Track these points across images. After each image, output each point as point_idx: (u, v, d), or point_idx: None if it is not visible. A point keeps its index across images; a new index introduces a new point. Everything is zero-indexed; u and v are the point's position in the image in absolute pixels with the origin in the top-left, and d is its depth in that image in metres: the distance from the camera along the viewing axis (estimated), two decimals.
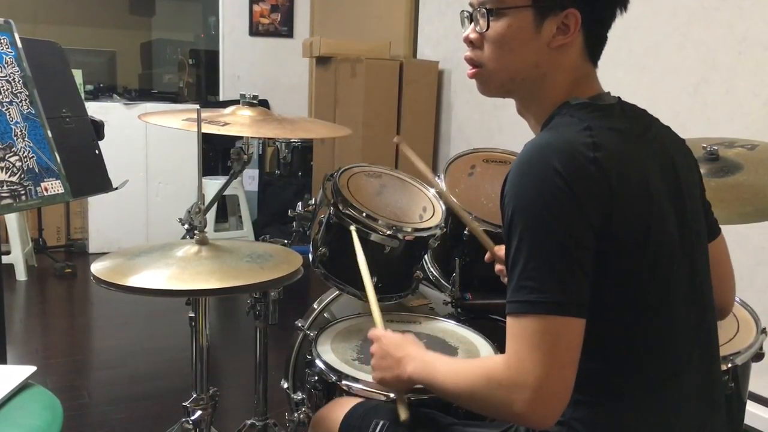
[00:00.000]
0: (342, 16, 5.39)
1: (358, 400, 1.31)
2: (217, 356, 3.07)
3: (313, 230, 1.82)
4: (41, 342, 3.35)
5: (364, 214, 1.68)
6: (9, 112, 1.59)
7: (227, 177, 1.90)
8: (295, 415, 1.71)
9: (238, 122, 1.77)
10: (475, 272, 1.87)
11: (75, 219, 4.84)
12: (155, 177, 4.77)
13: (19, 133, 1.60)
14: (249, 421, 2.00)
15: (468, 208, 1.83)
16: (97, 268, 1.34)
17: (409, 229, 1.71)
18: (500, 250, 1.61)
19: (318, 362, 1.49)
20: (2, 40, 1.63)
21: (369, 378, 1.39)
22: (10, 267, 4.03)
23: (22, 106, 1.63)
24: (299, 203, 1.84)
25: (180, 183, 4.77)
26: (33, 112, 1.65)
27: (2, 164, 1.55)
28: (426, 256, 1.87)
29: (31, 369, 1.21)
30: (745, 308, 1.65)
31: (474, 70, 1.12)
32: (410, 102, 4.23)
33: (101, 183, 1.86)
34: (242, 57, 5.47)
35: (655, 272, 0.99)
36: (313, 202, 1.83)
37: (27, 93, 1.65)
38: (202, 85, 5.87)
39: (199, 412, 1.59)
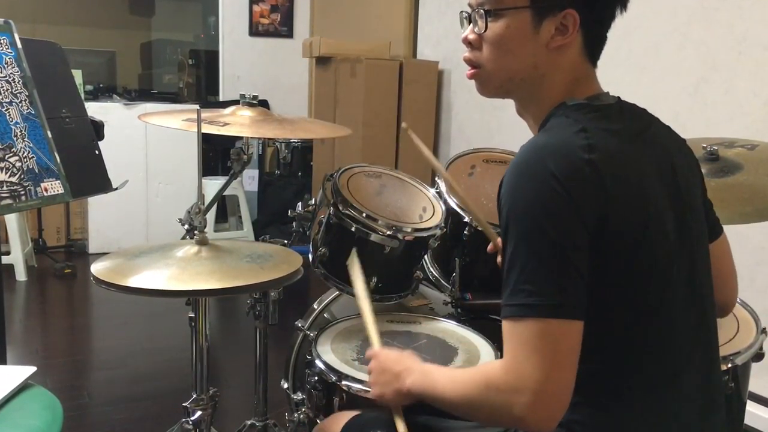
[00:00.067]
0: (342, 16, 5.39)
1: (357, 413, 1.30)
2: (217, 356, 3.07)
3: (313, 230, 1.82)
4: (41, 342, 3.35)
5: (364, 214, 1.68)
6: (9, 112, 1.59)
7: (227, 177, 1.90)
8: (295, 415, 1.71)
9: (237, 122, 1.77)
10: (475, 272, 1.87)
11: (75, 219, 4.84)
12: (155, 177, 4.77)
13: (19, 133, 1.60)
14: (249, 422, 2.00)
15: (468, 208, 1.83)
16: (97, 268, 1.34)
17: (409, 229, 1.71)
18: None
19: (318, 362, 1.49)
20: (2, 41, 1.63)
21: (368, 378, 1.39)
22: (10, 267, 4.03)
23: (21, 106, 1.63)
24: (299, 203, 1.84)
25: (180, 183, 4.77)
26: (33, 112, 1.65)
27: (2, 164, 1.55)
28: (426, 256, 1.87)
29: (31, 369, 1.21)
30: (745, 308, 1.65)
31: (473, 71, 1.12)
32: (410, 102, 4.23)
33: (101, 183, 1.86)
34: (242, 57, 5.47)
35: (654, 273, 0.98)
36: (313, 202, 1.83)
37: (27, 93, 1.65)
38: (201, 85, 5.87)
39: (199, 413, 1.59)
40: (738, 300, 1.59)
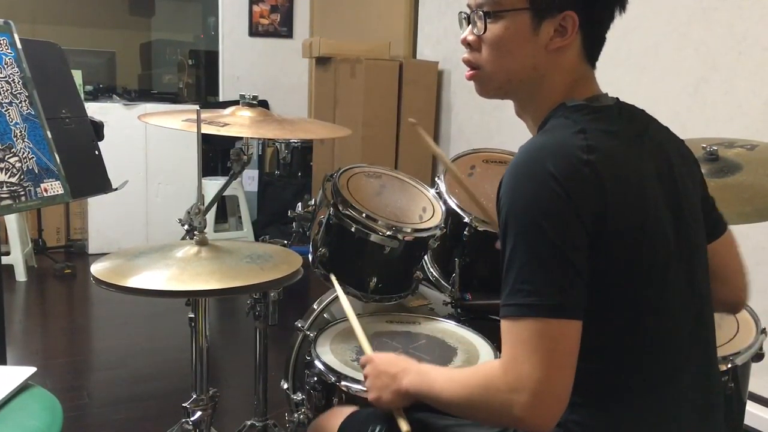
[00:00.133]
0: (341, 17, 5.39)
1: (355, 408, 1.30)
2: (217, 357, 3.07)
3: (312, 231, 1.82)
4: (41, 343, 3.35)
5: (363, 215, 1.68)
6: (9, 113, 1.59)
7: (227, 177, 1.90)
8: (295, 415, 1.71)
9: (237, 123, 1.77)
10: (475, 273, 1.87)
11: (75, 220, 4.84)
12: (155, 177, 4.77)
13: (19, 134, 1.60)
14: (249, 422, 2.00)
15: (468, 209, 1.84)
16: (97, 268, 1.34)
17: (409, 230, 1.71)
18: None
19: (317, 363, 1.49)
20: (2, 41, 1.63)
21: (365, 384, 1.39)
22: (10, 268, 4.03)
23: (21, 107, 1.63)
24: (299, 204, 1.84)
25: (180, 183, 4.77)
26: (33, 112, 1.64)
27: (2, 165, 1.55)
28: (426, 257, 1.87)
29: (30, 370, 1.21)
30: (744, 308, 1.65)
31: (472, 72, 1.12)
32: (410, 102, 4.23)
33: (101, 184, 1.86)
34: (242, 57, 5.47)
35: (652, 273, 0.99)
36: (312, 202, 1.83)
37: (27, 94, 1.65)
38: (201, 85, 5.87)
39: (198, 413, 1.59)
40: None
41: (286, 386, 1.90)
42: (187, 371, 1.69)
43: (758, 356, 1.52)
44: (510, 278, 0.93)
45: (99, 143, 1.88)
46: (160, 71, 6.78)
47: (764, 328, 1.58)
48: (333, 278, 1.66)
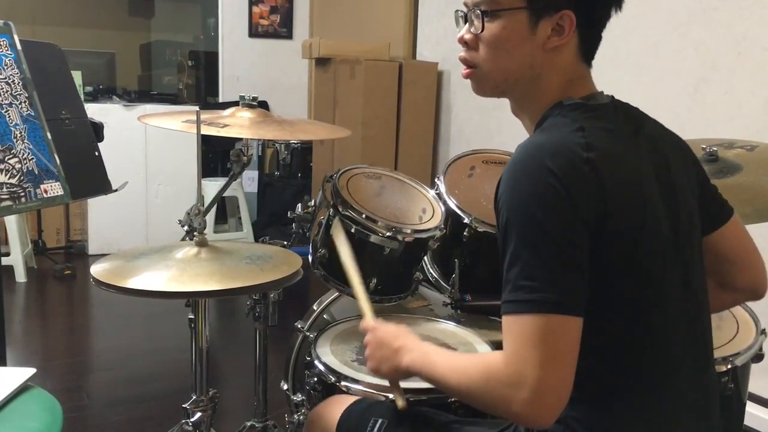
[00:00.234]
0: (341, 18, 5.39)
1: (355, 398, 1.30)
2: (217, 358, 3.07)
3: (312, 231, 1.82)
4: (41, 344, 3.35)
5: (363, 216, 1.68)
6: (8, 114, 1.59)
7: (227, 178, 1.90)
8: (295, 416, 1.71)
9: (237, 124, 1.77)
10: (475, 274, 1.87)
11: (74, 220, 4.84)
12: (155, 178, 4.77)
13: (19, 135, 1.60)
14: (249, 423, 2.00)
15: (467, 209, 1.83)
16: (96, 269, 1.34)
17: (409, 231, 1.71)
18: None
19: (317, 363, 1.49)
20: (2, 42, 1.63)
21: (368, 379, 1.39)
22: (10, 269, 4.03)
23: (21, 108, 1.63)
24: (299, 204, 1.84)
25: (179, 184, 4.77)
26: (32, 114, 1.64)
27: (2, 166, 1.55)
28: (425, 258, 1.86)
29: (30, 371, 1.21)
30: (744, 309, 1.65)
31: (468, 71, 1.12)
32: (409, 103, 4.23)
33: (101, 185, 1.86)
34: (242, 58, 5.47)
35: (650, 272, 0.99)
36: (312, 203, 1.83)
37: (26, 95, 1.65)
38: (201, 86, 5.87)
39: (198, 414, 1.59)
40: None
41: (285, 387, 1.90)
42: (186, 372, 1.69)
43: (758, 357, 1.52)
44: (511, 275, 0.93)
45: (99, 144, 1.88)
46: (160, 72, 6.79)
47: (764, 329, 1.58)
48: (337, 221, 1.61)
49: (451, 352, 1.33)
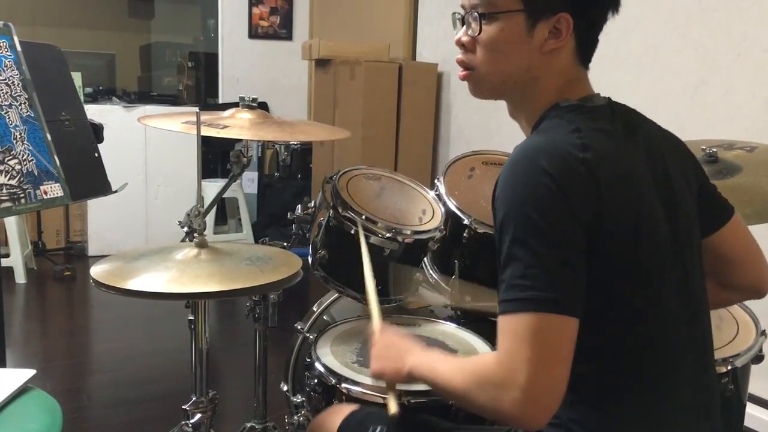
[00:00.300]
0: (341, 19, 5.39)
1: (355, 407, 1.30)
2: (217, 359, 3.06)
3: (312, 233, 1.82)
4: (41, 345, 3.35)
5: (363, 217, 1.68)
6: (8, 115, 1.59)
7: (227, 179, 1.90)
8: (295, 417, 1.71)
9: (237, 125, 1.77)
10: (475, 275, 1.87)
11: (74, 222, 4.84)
12: (154, 179, 4.77)
13: (19, 136, 1.60)
14: (249, 424, 2.00)
15: (467, 210, 1.83)
16: (96, 271, 1.34)
17: (409, 232, 1.71)
18: None
19: (317, 365, 1.49)
20: (1, 44, 1.63)
21: (368, 381, 1.39)
22: (10, 270, 4.03)
23: (21, 109, 1.63)
24: (298, 206, 1.84)
25: (179, 185, 4.77)
26: (32, 115, 1.64)
27: (1, 167, 1.55)
28: (425, 259, 1.86)
29: (30, 372, 1.21)
30: (744, 310, 1.65)
31: (465, 73, 1.12)
32: (409, 104, 4.24)
33: (100, 186, 1.86)
34: (241, 59, 5.47)
35: (648, 273, 0.99)
36: (312, 204, 1.83)
37: (26, 96, 1.65)
38: (201, 87, 5.87)
39: (198, 415, 1.59)
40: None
41: (285, 388, 1.90)
42: (186, 373, 1.69)
43: (758, 358, 1.52)
44: (506, 275, 0.93)
45: (99, 145, 1.88)
46: (160, 73, 6.79)
47: (764, 330, 1.58)
48: (360, 230, 1.60)
49: (453, 357, 1.33)
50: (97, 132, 1.88)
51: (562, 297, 0.90)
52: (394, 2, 4.67)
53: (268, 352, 1.96)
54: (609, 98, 1.10)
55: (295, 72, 5.52)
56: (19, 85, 1.64)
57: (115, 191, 1.88)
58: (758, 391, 2.30)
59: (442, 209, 1.85)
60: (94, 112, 3.84)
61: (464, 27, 1.10)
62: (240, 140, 1.85)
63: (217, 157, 5.22)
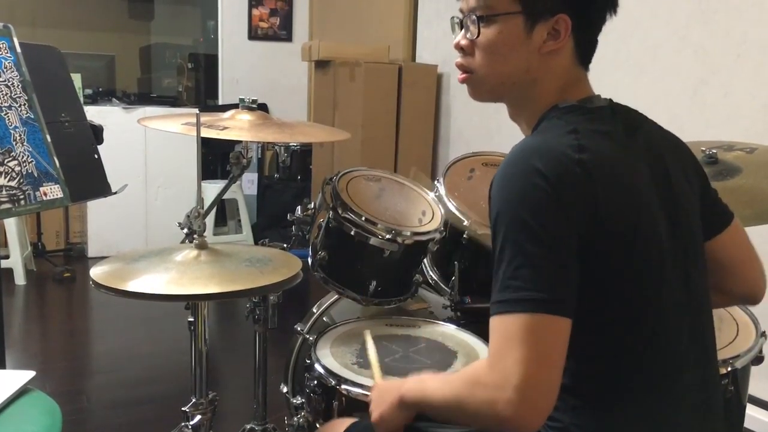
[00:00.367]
0: (341, 20, 5.39)
1: (355, 420, 1.30)
2: (217, 360, 3.06)
3: (312, 234, 1.82)
4: (40, 346, 3.35)
5: (363, 218, 1.68)
6: (8, 116, 1.59)
7: (226, 181, 1.90)
8: (295, 419, 1.70)
9: (237, 126, 1.77)
10: (475, 276, 1.87)
11: (74, 223, 4.84)
12: (154, 181, 4.77)
13: (18, 137, 1.60)
14: (248, 426, 2.00)
15: (467, 211, 1.84)
16: (96, 272, 1.34)
17: (409, 233, 1.71)
18: None
19: (317, 366, 1.49)
20: (1, 45, 1.63)
21: (368, 382, 1.39)
22: (9, 271, 4.03)
23: (21, 110, 1.63)
24: (298, 207, 1.84)
25: (179, 187, 4.77)
26: (32, 116, 1.65)
27: (1, 169, 1.55)
28: (425, 260, 1.86)
29: (30, 374, 1.21)
30: (744, 311, 1.65)
31: (465, 75, 1.12)
32: (409, 105, 4.24)
33: (100, 187, 1.86)
34: (241, 61, 5.47)
35: (648, 274, 0.99)
36: (312, 205, 1.83)
37: (26, 97, 1.65)
38: (201, 89, 5.87)
39: (198, 417, 1.59)
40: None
41: (285, 390, 1.90)
42: (186, 375, 1.69)
43: (758, 359, 1.52)
44: (499, 275, 0.93)
45: (98, 147, 1.88)
46: (160, 75, 6.79)
47: (764, 332, 1.58)
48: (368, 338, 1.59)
49: (446, 374, 1.33)
50: (96, 133, 1.89)
51: (554, 297, 0.90)
52: (393, 4, 4.67)
53: (268, 353, 1.96)
54: (610, 99, 1.10)
55: (294, 73, 5.53)
56: (19, 87, 1.64)
57: (115, 192, 1.88)
58: (758, 393, 2.30)
59: (442, 211, 1.85)
60: (93, 113, 3.85)
61: (463, 31, 1.10)
62: (240, 141, 1.85)
63: (216, 158, 5.22)
